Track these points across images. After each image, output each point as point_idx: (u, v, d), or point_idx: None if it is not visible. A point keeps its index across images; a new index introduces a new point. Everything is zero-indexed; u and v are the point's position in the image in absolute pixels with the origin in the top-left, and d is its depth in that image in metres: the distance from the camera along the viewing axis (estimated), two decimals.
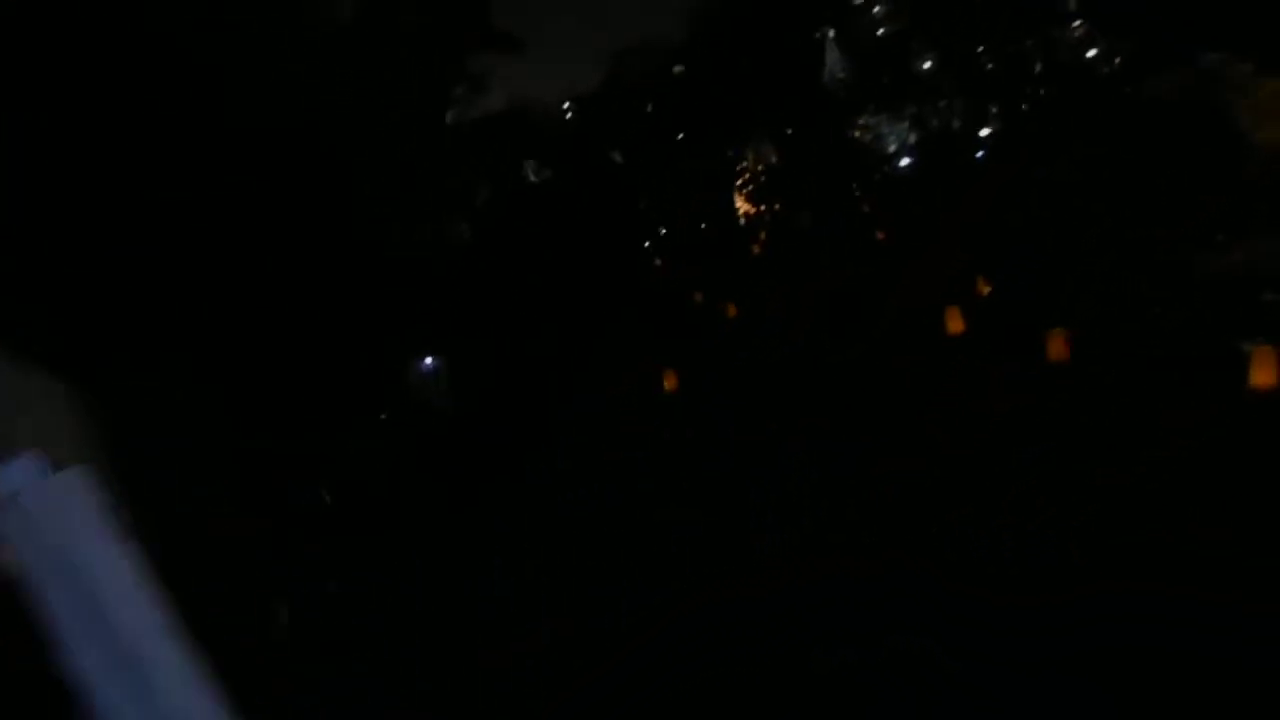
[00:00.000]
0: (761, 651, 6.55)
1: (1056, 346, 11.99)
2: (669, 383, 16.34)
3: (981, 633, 6.01)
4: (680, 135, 38.24)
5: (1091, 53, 24.95)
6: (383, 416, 15.84)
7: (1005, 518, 7.51)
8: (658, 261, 37.49)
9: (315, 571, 11.52)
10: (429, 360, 18.38)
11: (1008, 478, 8.30)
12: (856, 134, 33.16)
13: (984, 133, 29.72)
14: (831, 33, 33.39)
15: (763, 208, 36.51)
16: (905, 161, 31.58)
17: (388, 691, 7.73)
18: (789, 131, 34.18)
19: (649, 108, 39.96)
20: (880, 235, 27.26)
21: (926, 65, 30.04)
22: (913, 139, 31.88)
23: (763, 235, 35.47)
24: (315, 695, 7.94)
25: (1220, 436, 7.90)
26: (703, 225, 38.65)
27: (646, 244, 38.72)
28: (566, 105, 42.94)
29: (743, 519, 9.24)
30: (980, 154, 29.18)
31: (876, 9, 32.08)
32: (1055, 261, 15.16)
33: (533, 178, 32.20)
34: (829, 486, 9.37)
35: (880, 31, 32.44)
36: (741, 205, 38.84)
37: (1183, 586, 5.82)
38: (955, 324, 15.02)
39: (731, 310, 23.26)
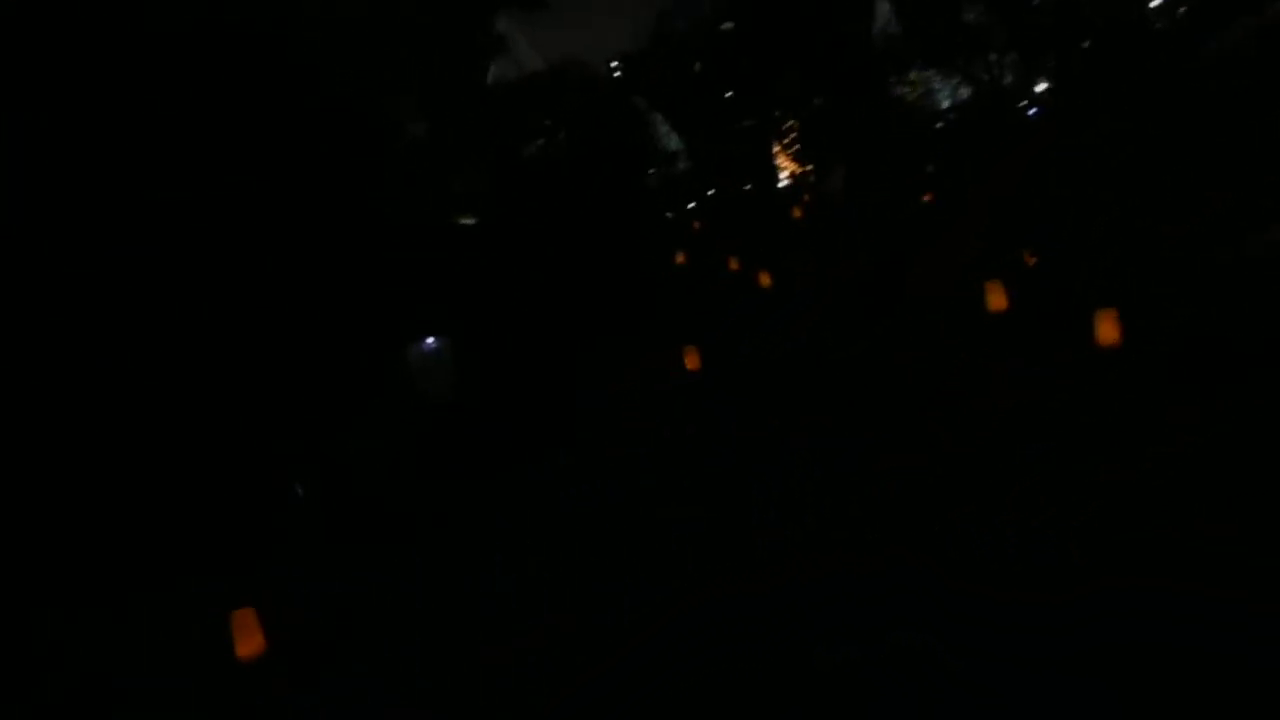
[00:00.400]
0: (764, 648, 6.54)
1: (1107, 328, 10.84)
2: (690, 362, 15.86)
3: (984, 630, 5.98)
4: (728, 94, 37.16)
5: (1155, 2, 23.91)
6: (378, 402, 15.75)
7: (1008, 514, 7.47)
8: (696, 224, 36.57)
9: (315, 570, 11.52)
10: (430, 342, 18.23)
11: (1010, 474, 8.26)
12: (906, 90, 32.29)
13: (1038, 88, 28.55)
14: None
15: (808, 167, 35.42)
16: (955, 118, 30.51)
17: (388, 691, 7.71)
18: (837, 88, 33.14)
19: (696, 66, 38.97)
20: (927, 197, 26.37)
21: (978, 18, 28.22)
22: (964, 94, 30.87)
23: (806, 198, 34.47)
24: (315, 695, 7.94)
25: (1226, 432, 7.85)
26: (747, 187, 37.70)
27: (689, 206, 37.69)
28: (614, 64, 42.06)
29: (745, 515, 9.22)
30: (1032, 111, 28.13)
31: None
32: (1102, 234, 14.25)
33: (571, 141, 31.57)
34: (831, 483, 9.34)
35: None
36: (786, 165, 37.88)
37: (1187, 583, 5.79)
38: (997, 300, 13.79)
39: (765, 279, 22.50)
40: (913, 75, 32.50)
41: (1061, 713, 5.09)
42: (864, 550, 7.60)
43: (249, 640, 8.75)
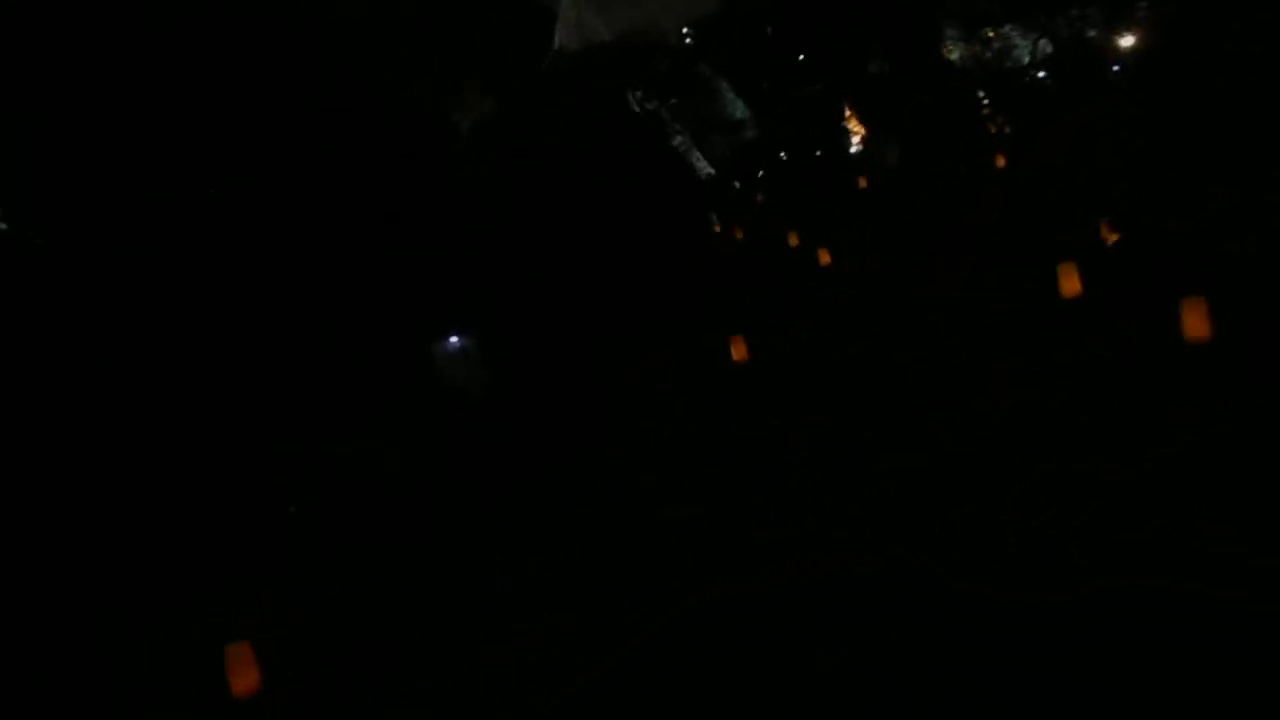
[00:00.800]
0: (763, 648, 6.54)
1: (1195, 320, 9.48)
2: (737, 352, 15.20)
3: (984, 630, 5.98)
4: (800, 56, 36.00)
5: None
6: (393, 403, 15.62)
7: (1008, 514, 7.47)
8: (759, 197, 35.51)
9: (316, 571, 11.53)
10: (455, 340, 17.99)
11: (1010, 474, 8.25)
12: (982, 47, 31.07)
13: (1125, 42, 27.06)
14: None
15: (879, 134, 34.09)
16: (1033, 75, 28.91)
17: (388, 691, 7.72)
18: (896, 51, 31.89)
19: (769, 30, 37.92)
20: (1001, 162, 25.18)
21: None
22: (1047, 50, 29.47)
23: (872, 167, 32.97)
24: (315, 695, 7.94)
25: (1226, 432, 7.85)
26: (818, 153, 36.51)
27: (759, 175, 36.48)
28: (686, 31, 41.24)
29: (745, 515, 9.21)
30: (1116, 68, 26.71)
31: None
32: (1196, 201, 13.03)
33: (636, 109, 30.85)
34: (831, 483, 9.33)
35: None
36: (858, 130, 36.81)
37: (1187, 583, 5.79)
38: (1071, 284, 12.34)
39: (825, 257, 21.71)
40: (990, 31, 31.54)
41: (1061, 713, 5.09)
42: (864, 550, 7.60)
43: (244, 676, 8.31)
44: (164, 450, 12.73)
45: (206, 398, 13.13)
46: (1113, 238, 14.08)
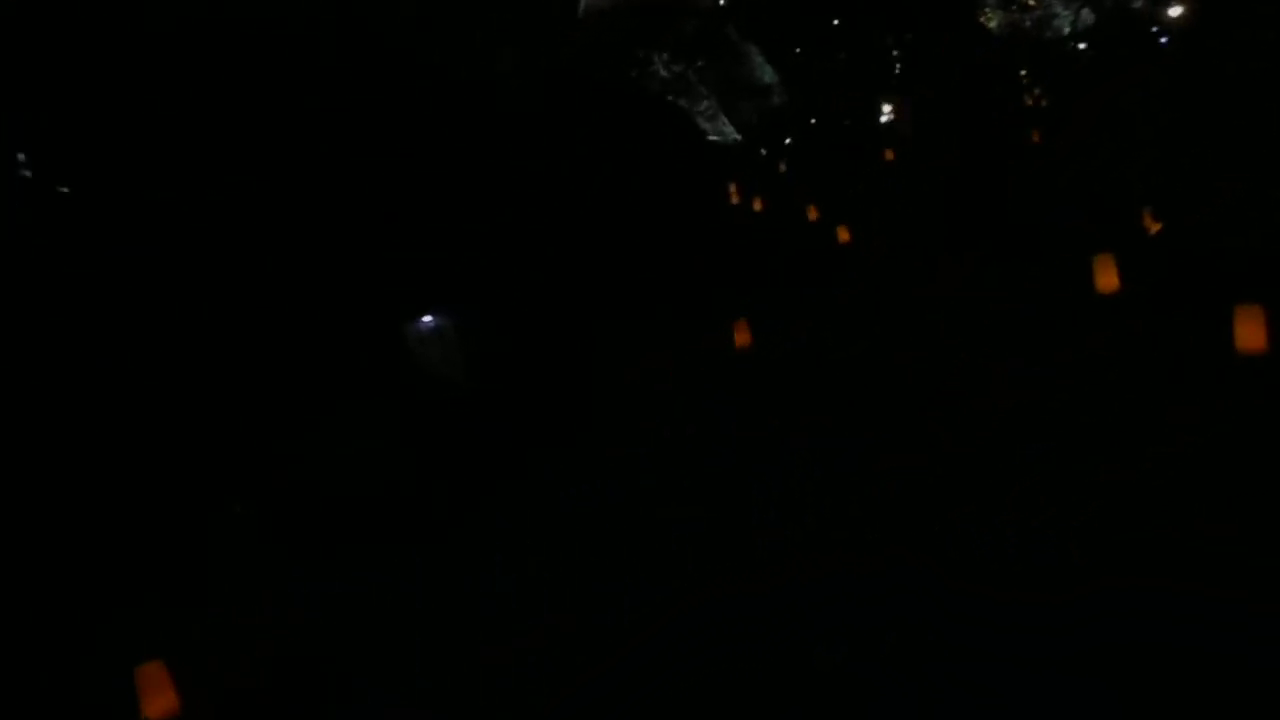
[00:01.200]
0: (763, 648, 6.54)
1: (1250, 329, 8.69)
2: (740, 338, 15.02)
3: (984, 630, 5.98)
4: (835, 22, 35.37)
5: None
6: (355, 395, 15.43)
7: (1008, 514, 7.47)
8: (782, 167, 34.99)
9: (314, 570, 11.51)
10: (429, 320, 17.74)
11: (1010, 474, 8.25)
12: (1021, 15, 30.45)
13: (1173, 12, 26.29)
14: None
15: (908, 104, 33.35)
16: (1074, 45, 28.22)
17: (388, 691, 7.72)
18: (925, 16, 31.17)
19: None
20: (1035, 137, 24.68)
21: None
22: (1089, 20, 28.80)
23: (901, 139, 32.42)
24: (315, 695, 7.94)
25: (1226, 432, 7.85)
26: (846, 123, 35.94)
27: (786, 141, 35.78)
28: None
29: (745, 516, 9.21)
30: (1164, 39, 25.96)
31: None
32: (1203, 194, 12.50)
33: (664, 73, 30.38)
34: (831, 483, 9.33)
35: None
36: (888, 101, 36.22)
37: (1187, 583, 5.79)
38: (1107, 278, 11.51)
39: (844, 233, 21.38)
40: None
41: (1061, 713, 5.09)
42: (864, 550, 7.60)
43: (158, 698, 8.02)
44: (132, 448, 12.62)
45: (185, 390, 13.02)
46: (1155, 227, 13.38)
